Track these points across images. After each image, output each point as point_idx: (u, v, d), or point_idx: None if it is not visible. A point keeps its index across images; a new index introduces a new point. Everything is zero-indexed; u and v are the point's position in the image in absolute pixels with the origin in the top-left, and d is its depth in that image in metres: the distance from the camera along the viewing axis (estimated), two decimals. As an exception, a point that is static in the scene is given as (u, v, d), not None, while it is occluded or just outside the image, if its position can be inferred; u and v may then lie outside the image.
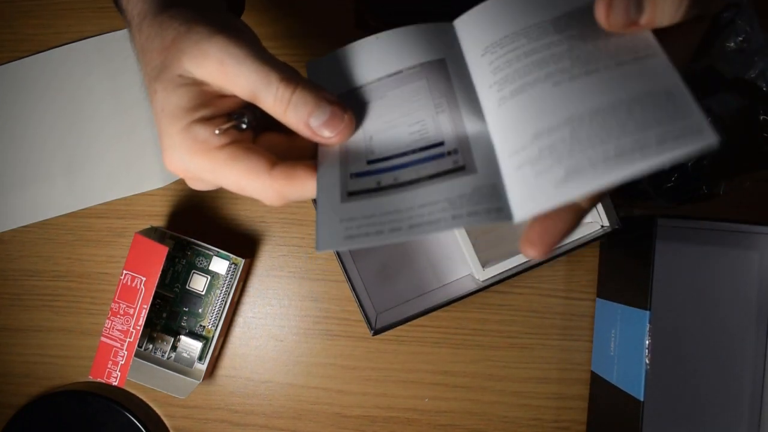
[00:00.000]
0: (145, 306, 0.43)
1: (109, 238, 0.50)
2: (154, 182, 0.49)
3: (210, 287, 0.48)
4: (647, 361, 0.38)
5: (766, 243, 0.41)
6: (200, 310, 0.48)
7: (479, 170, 0.26)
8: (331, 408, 0.49)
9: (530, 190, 0.24)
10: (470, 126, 0.28)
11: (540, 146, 0.24)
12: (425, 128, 0.28)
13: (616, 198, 0.39)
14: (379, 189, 0.26)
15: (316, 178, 0.27)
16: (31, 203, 0.50)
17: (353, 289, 0.41)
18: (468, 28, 0.30)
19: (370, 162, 0.28)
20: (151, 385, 0.46)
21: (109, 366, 0.44)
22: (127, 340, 0.44)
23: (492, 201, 0.25)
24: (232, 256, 0.47)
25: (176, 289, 0.48)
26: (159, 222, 0.50)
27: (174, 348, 0.48)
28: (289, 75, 0.26)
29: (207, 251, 0.48)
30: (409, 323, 0.40)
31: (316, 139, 0.27)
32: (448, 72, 0.29)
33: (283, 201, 0.27)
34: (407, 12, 0.46)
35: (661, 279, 0.40)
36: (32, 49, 0.51)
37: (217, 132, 0.26)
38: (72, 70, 0.51)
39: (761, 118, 0.42)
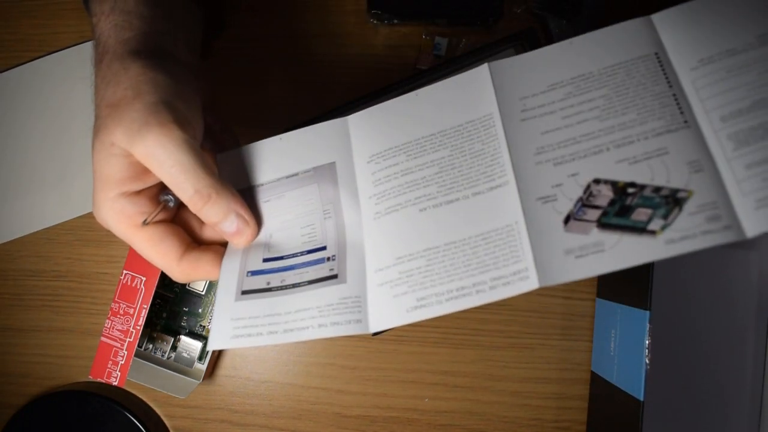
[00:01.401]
0: (145, 306, 0.43)
1: (109, 238, 0.50)
2: None
3: (210, 287, 0.48)
4: (647, 361, 0.38)
5: (766, 243, 0.41)
6: (200, 310, 0.48)
7: (348, 280, 0.28)
8: (331, 408, 0.49)
9: (386, 310, 0.27)
10: (349, 235, 0.30)
11: (400, 270, 0.27)
12: (314, 231, 0.30)
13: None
14: (267, 290, 0.29)
15: (219, 274, 0.30)
16: (27, 214, 0.50)
17: (353, 289, 0.41)
18: (359, 130, 0.32)
19: (265, 260, 0.30)
20: (151, 385, 0.46)
21: (109, 366, 0.44)
22: (127, 340, 0.44)
23: (353, 313, 0.27)
24: (232, 256, 0.47)
25: (176, 289, 0.48)
26: (159, 222, 0.50)
27: (174, 348, 0.48)
28: (204, 187, 0.28)
29: (207, 251, 0.48)
30: (409, 323, 0.40)
31: (223, 236, 0.31)
32: (337, 176, 0.31)
33: (187, 281, 0.31)
34: (409, 12, 0.46)
35: (661, 279, 0.40)
36: (32, 48, 0.51)
37: (145, 221, 0.29)
38: (61, 79, 0.51)
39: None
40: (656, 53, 0.27)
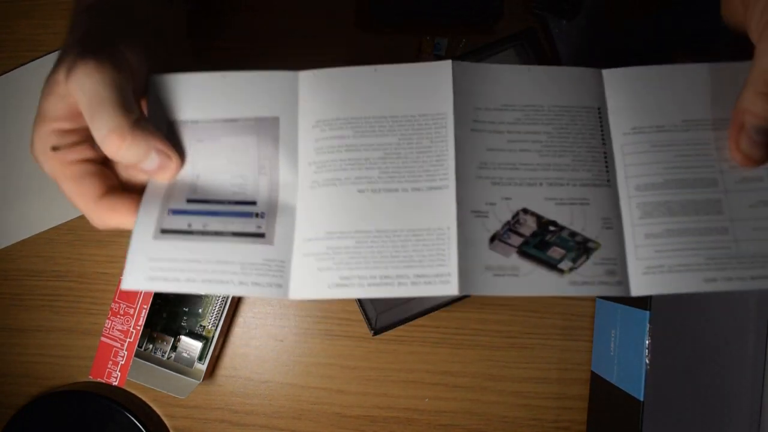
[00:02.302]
0: (145, 306, 0.43)
1: (109, 238, 0.50)
2: None
3: (210, 287, 0.48)
4: (647, 361, 0.38)
5: (766, 243, 0.41)
6: (200, 310, 0.48)
7: (275, 243, 0.28)
8: (331, 408, 0.49)
9: (308, 280, 0.27)
10: (283, 196, 0.29)
11: (329, 245, 0.28)
12: (245, 184, 0.30)
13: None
14: (188, 232, 0.28)
15: (138, 211, 0.29)
16: (28, 217, 0.50)
17: (353, 289, 0.41)
18: (309, 90, 0.31)
19: (189, 201, 0.29)
20: (151, 385, 0.46)
21: (109, 366, 0.44)
22: (127, 340, 0.44)
23: (275, 277, 0.27)
24: (232, 256, 0.47)
25: (176, 289, 0.48)
26: (159, 222, 0.50)
27: (174, 348, 0.48)
28: (118, 126, 0.27)
29: (207, 251, 0.48)
30: (409, 323, 0.40)
31: (145, 174, 0.30)
32: (279, 133, 0.30)
33: (104, 228, 0.30)
34: (410, 12, 0.46)
35: (661, 279, 0.40)
36: (32, 48, 0.51)
37: (55, 147, 0.28)
38: None
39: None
40: (599, 108, 0.29)
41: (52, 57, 0.51)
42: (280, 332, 0.49)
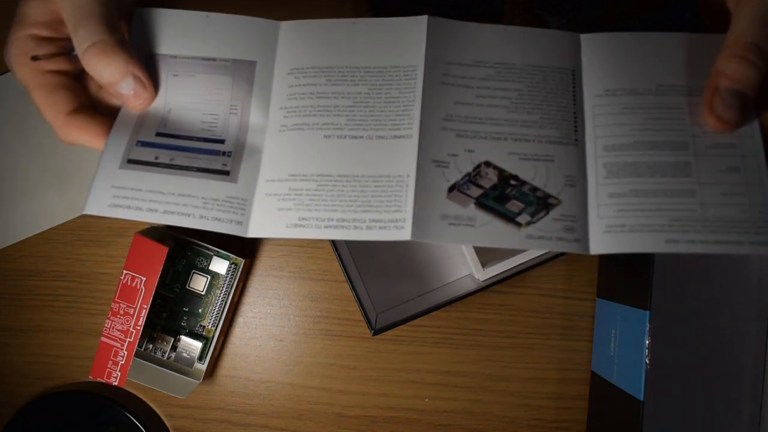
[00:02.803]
0: (145, 306, 0.43)
1: (109, 238, 0.50)
2: None
3: (210, 287, 0.48)
4: (647, 361, 0.38)
5: (766, 243, 0.41)
6: (200, 310, 0.48)
7: (239, 181, 0.29)
8: (331, 408, 0.49)
9: (267, 219, 0.28)
10: (250, 138, 0.30)
11: (290, 186, 0.28)
12: (216, 122, 0.30)
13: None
14: (155, 164, 0.28)
15: (107, 139, 0.29)
16: (28, 217, 0.50)
17: (353, 289, 0.41)
18: (289, 39, 0.32)
19: (158, 134, 0.29)
20: (151, 385, 0.46)
21: (109, 366, 0.44)
22: (127, 340, 0.44)
23: (236, 214, 0.28)
24: (232, 256, 0.47)
25: (176, 289, 0.48)
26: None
27: (174, 348, 0.48)
28: (102, 41, 0.27)
29: (207, 251, 0.48)
30: (409, 323, 0.40)
31: (117, 99, 0.29)
32: (254, 77, 0.31)
33: (70, 143, 0.29)
34: (410, 10, 0.46)
35: (661, 279, 0.40)
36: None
37: (36, 57, 0.28)
38: None
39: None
40: (573, 70, 0.30)
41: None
42: (280, 332, 0.49)
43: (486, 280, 0.41)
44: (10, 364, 0.50)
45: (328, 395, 0.49)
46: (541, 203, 0.27)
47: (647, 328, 0.38)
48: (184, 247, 0.48)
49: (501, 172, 0.28)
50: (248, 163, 0.29)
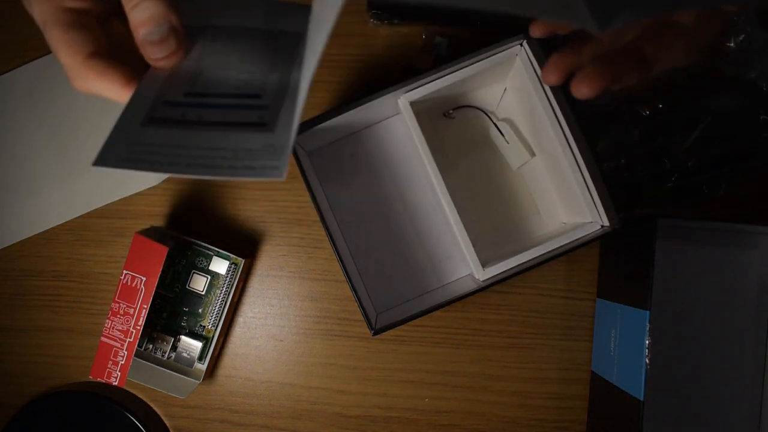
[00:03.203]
0: (145, 306, 0.43)
1: (109, 238, 0.50)
2: (149, 180, 0.49)
3: (210, 287, 0.48)
4: (647, 361, 0.38)
5: (766, 243, 0.41)
6: (200, 310, 0.48)
7: (276, 131, 0.27)
8: (331, 408, 0.49)
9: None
10: (291, 92, 0.28)
11: None
12: (253, 79, 0.28)
13: (616, 198, 0.39)
14: (180, 122, 0.26)
15: (132, 94, 0.26)
16: (29, 216, 0.50)
17: (353, 289, 0.41)
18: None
19: (186, 94, 0.27)
20: (151, 385, 0.46)
21: (109, 366, 0.44)
22: (127, 340, 0.44)
23: (273, 159, 0.26)
24: (232, 256, 0.47)
25: (176, 289, 0.48)
26: (159, 222, 0.50)
27: (174, 348, 0.48)
28: None
29: (207, 251, 0.48)
30: (409, 323, 0.40)
31: (143, 51, 0.27)
32: (301, 45, 0.30)
33: (84, 90, 0.27)
34: (415, 13, 0.46)
35: (661, 279, 0.40)
36: (32, 48, 0.51)
37: None
38: (61, 79, 0.51)
39: (761, 118, 0.42)
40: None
41: (52, 57, 0.51)
42: (280, 332, 0.49)
43: (486, 280, 0.41)
44: (10, 364, 0.50)
45: (328, 395, 0.49)
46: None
47: (647, 328, 0.38)
48: (184, 247, 0.48)
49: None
50: (286, 115, 0.27)
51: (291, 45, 0.30)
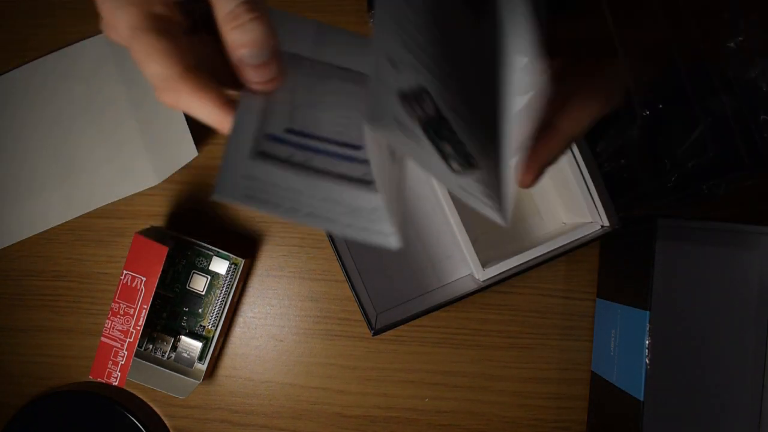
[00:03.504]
0: (145, 306, 0.43)
1: (109, 238, 0.50)
2: (148, 180, 0.49)
3: (210, 287, 0.48)
4: (647, 361, 0.38)
5: (766, 243, 0.41)
6: (200, 310, 0.48)
7: (379, 191, 0.26)
8: (331, 408, 0.49)
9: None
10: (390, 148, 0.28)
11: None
12: (350, 126, 0.27)
13: (616, 198, 0.39)
14: (289, 162, 0.25)
15: (234, 118, 0.25)
16: (29, 216, 0.50)
17: (353, 289, 0.41)
18: None
19: (288, 131, 0.26)
20: (151, 385, 0.46)
21: (109, 366, 0.44)
22: (127, 340, 0.44)
23: (384, 226, 0.26)
24: (232, 256, 0.47)
25: (176, 289, 0.48)
26: (159, 222, 0.50)
27: (174, 348, 0.48)
28: (252, 2, 0.23)
29: (207, 251, 0.48)
30: (409, 323, 0.40)
31: (241, 73, 0.25)
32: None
33: (172, 105, 0.25)
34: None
35: (661, 279, 0.40)
36: (32, 48, 0.51)
37: None
38: (61, 79, 0.51)
39: (761, 118, 0.42)
40: None
41: (52, 57, 0.51)
42: (280, 332, 0.49)
43: (486, 280, 0.41)
44: (10, 364, 0.50)
45: (328, 395, 0.49)
46: (465, 159, 0.25)
47: (647, 328, 0.38)
48: (184, 247, 0.48)
49: (438, 108, 0.25)
50: (392, 173, 0.27)
51: None
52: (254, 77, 0.25)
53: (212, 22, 0.25)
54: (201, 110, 0.25)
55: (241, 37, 0.24)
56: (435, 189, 0.42)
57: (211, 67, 0.26)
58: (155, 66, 0.24)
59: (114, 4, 0.24)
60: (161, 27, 0.24)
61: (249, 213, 0.50)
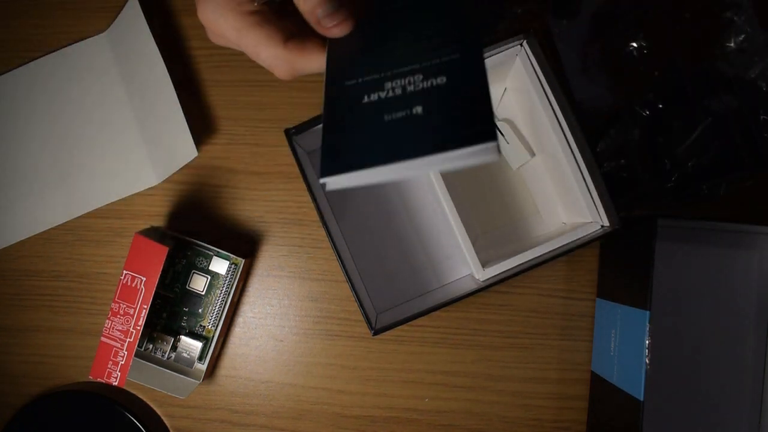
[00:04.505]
0: (145, 306, 0.43)
1: (109, 238, 0.50)
2: (148, 180, 0.49)
3: (210, 287, 0.48)
4: (647, 361, 0.38)
5: (766, 243, 0.41)
6: (200, 310, 0.48)
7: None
8: (331, 408, 0.49)
9: None
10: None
11: None
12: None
13: (616, 198, 0.39)
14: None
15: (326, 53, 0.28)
16: (29, 216, 0.50)
17: (353, 289, 0.41)
18: None
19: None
20: (151, 385, 0.46)
21: (109, 366, 0.44)
22: (127, 340, 0.44)
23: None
24: (232, 256, 0.47)
25: (176, 289, 0.48)
26: (159, 222, 0.50)
27: (174, 348, 0.48)
28: None
29: (207, 251, 0.48)
30: (409, 323, 0.40)
31: (317, 28, 0.28)
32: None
33: (292, 72, 0.29)
34: None
35: (661, 279, 0.40)
36: (32, 48, 0.51)
37: (255, 1, 0.28)
38: (61, 79, 0.51)
39: (761, 118, 0.42)
40: None
41: (52, 57, 0.51)
42: (280, 332, 0.49)
43: (486, 280, 0.41)
44: (10, 364, 0.50)
45: (328, 395, 0.49)
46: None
47: (647, 328, 0.38)
48: (184, 247, 0.48)
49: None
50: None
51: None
52: (326, 24, 0.28)
53: None
54: (314, 64, 0.29)
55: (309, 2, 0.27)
56: (435, 189, 0.42)
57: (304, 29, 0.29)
58: (265, 52, 0.28)
59: (214, 15, 0.29)
60: (257, 20, 0.28)
61: (249, 213, 0.50)
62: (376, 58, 0.27)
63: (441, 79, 0.24)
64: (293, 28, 0.29)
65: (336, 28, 0.28)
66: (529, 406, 0.48)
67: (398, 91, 0.25)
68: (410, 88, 0.25)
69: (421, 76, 0.25)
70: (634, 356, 0.39)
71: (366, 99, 0.25)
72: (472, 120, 0.22)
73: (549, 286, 0.48)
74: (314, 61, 0.29)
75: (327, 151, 0.24)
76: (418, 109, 0.24)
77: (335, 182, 0.23)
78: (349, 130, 0.24)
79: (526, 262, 0.40)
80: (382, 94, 0.25)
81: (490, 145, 0.21)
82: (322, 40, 0.29)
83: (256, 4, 0.29)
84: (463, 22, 0.27)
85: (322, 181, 0.23)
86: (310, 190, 0.41)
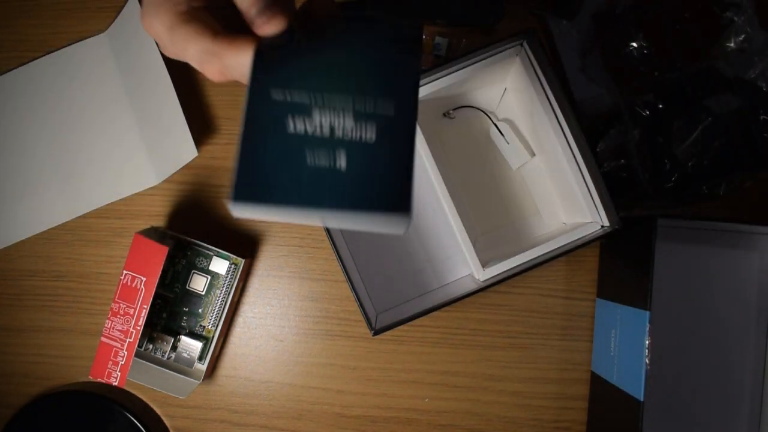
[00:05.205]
0: (145, 306, 0.43)
1: (109, 238, 0.50)
2: (148, 180, 0.49)
3: (210, 287, 0.48)
4: (647, 361, 0.38)
5: (766, 243, 0.41)
6: (200, 310, 0.48)
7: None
8: (331, 408, 0.49)
9: None
10: None
11: None
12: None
13: (616, 198, 0.39)
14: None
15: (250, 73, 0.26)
16: (29, 216, 0.50)
17: (353, 289, 0.41)
18: None
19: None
20: (151, 385, 0.46)
21: (109, 366, 0.44)
22: (127, 340, 0.44)
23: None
24: (232, 256, 0.47)
25: (176, 289, 0.48)
26: (159, 222, 0.50)
27: (174, 348, 0.48)
28: None
29: (207, 251, 0.48)
30: (409, 323, 0.40)
31: (247, 19, 0.27)
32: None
33: (222, 71, 0.27)
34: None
35: (661, 279, 0.40)
36: (32, 48, 0.51)
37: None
38: (60, 79, 0.51)
39: (761, 118, 0.42)
40: None
41: (52, 57, 0.51)
42: (280, 332, 0.49)
43: (486, 280, 0.41)
44: (10, 364, 0.50)
45: (328, 395, 0.49)
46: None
47: (647, 328, 0.38)
48: (184, 247, 0.48)
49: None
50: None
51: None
52: (258, 20, 0.27)
53: None
54: (243, 65, 0.27)
55: None
56: (435, 189, 0.42)
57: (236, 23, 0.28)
58: (193, 46, 0.27)
59: (151, 19, 0.28)
60: (189, 17, 0.27)
61: (249, 213, 0.50)
62: (310, 69, 0.26)
63: (370, 135, 0.25)
64: (225, 25, 0.28)
65: (268, 25, 0.27)
66: (529, 406, 0.48)
67: (326, 131, 0.25)
68: (338, 133, 0.25)
69: (351, 120, 0.25)
70: (634, 356, 0.39)
71: (291, 128, 0.25)
72: (392, 191, 0.23)
73: (549, 286, 0.48)
74: (245, 55, 0.27)
75: (243, 172, 0.24)
76: (342, 164, 0.24)
77: (244, 210, 0.23)
78: (270, 159, 0.24)
79: (526, 262, 0.40)
80: (309, 129, 0.25)
81: (404, 218, 0.22)
82: (255, 37, 0.28)
83: (192, 3, 0.28)
84: (411, 76, 0.27)
85: (231, 205, 0.23)
86: (310, 190, 0.41)
